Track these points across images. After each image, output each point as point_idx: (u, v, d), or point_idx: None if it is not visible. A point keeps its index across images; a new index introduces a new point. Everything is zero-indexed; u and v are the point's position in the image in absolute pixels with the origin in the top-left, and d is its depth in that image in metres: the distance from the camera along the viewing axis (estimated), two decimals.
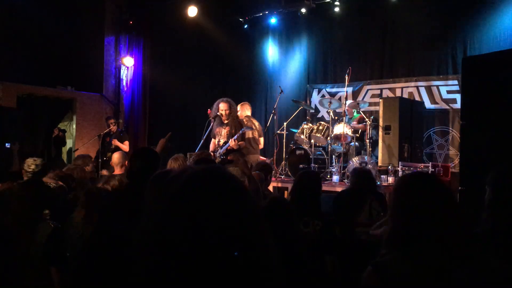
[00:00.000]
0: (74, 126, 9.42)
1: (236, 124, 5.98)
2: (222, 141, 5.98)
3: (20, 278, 2.67)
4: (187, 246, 0.92)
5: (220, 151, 5.84)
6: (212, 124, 6.11)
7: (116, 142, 7.84)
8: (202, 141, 5.99)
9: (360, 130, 7.60)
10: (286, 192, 7.26)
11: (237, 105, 6.69)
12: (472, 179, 3.52)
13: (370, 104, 8.35)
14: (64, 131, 8.64)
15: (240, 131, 5.84)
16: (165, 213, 0.98)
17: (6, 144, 6.74)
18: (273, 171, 5.94)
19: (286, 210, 2.52)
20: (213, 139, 6.24)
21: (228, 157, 5.60)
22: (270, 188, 6.97)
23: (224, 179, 0.99)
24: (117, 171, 5.49)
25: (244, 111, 7.42)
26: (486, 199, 2.07)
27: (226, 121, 6.09)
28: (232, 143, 5.78)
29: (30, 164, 4.38)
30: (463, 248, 1.43)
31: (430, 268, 1.42)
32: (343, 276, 3.11)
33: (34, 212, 2.92)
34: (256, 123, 7.32)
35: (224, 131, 6.04)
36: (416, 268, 1.44)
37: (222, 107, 6.12)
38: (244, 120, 6.98)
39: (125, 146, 7.84)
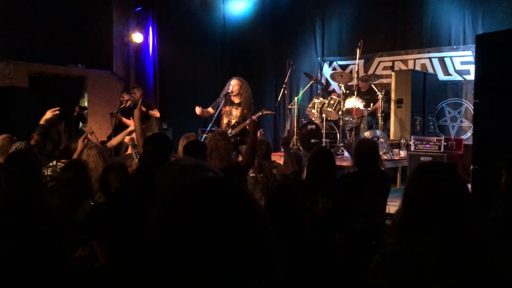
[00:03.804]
0: (86, 103, 9.46)
1: (248, 106, 5.90)
2: (233, 121, 5.94)
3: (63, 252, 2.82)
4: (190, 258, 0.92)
5: (232, 131, 5.80)
6: (222, 102, 6.05)
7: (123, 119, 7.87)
8: (213, 118, 5.97)
9: (372, 105, 7.53)
10: None
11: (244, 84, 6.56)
12: (486, 158, 3.49)
13: (382, 76, 8.24)
14: (85, 108, 8.61)
15: (261, 112, 5.78)
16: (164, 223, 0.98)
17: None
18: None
19: (293, 197, 2.53)
20: (210, 108, 6.18)
21: (245, 138, 5.59)
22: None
23: (229, 194, 0.97)
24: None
25: (139, 93, 7.93)
26: (503, 185, 2.05)
27: (236, 101, 6.03)
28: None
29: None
30: (474, 240, 1.43)
31: (438, 258, 1.43)
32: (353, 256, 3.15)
33: (77, 192, 3.07)
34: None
35: (235, 112, 5.97)
36: (424, 258, 1.45)
37: (233, 82, 6.05)
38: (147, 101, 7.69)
39: (131, 122, 7.86)
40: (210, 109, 6.12)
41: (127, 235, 2.63)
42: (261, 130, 5.57)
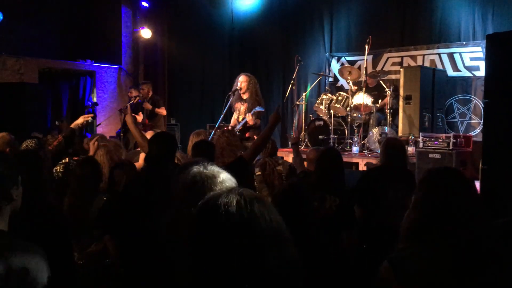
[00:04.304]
0: (95, 99, 9.53)
1: (254, 101, 5.92)
2: (241, 118, 5.97)
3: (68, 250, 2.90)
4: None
5: (238, 127, 5.84)
6: (231, 98, 6.08)
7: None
8: (222, 115, 6.00)
9: (380, 101, 7.52)
10: (305, 162, 7.30)
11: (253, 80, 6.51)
12: (495, 158, 3.49)
13: (391, 72, 8.21)
14: (95, 104, 8.65)
15: (256, 109, 5.77)
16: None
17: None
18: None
19: (301, 197, 2.55)
20: (234, 114, 6.24)
21: (246, 134, 5.62)
22: (290, 159, 6.99)
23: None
24: None
25: (150, 90, 7.96)
26: None
27: (245, 97, 6.05)
28: (248, 118, 5.75)
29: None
30: (484, 246, 1.45)
31: (448, 266, 1.44)
32: (362, 256, 3.15)
33: (91, 189, 3.12)
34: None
35: (242, 108, 6.00)
36: (433, 265, 1.46)
37: (241, 79, 6.07)
38: (156, 98, 7.81)
39: (139, 117, 7.91)
40: (234, 115, 6.22)
41: (132, 232, 2.68)
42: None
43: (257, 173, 4.29)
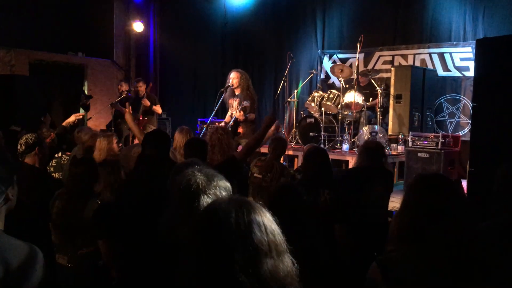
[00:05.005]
0: (86, 92, 9.48)
1: (246, 96, 5.94)
2: (234, 114, 6.00)
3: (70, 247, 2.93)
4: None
5: (230, 123, 5.88)
6: (223, 95, 6.10)
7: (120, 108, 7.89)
8: (213, 112, 6.02)
9: (371, 99, 7.59)
10: (296, 159, 7.36)
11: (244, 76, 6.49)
12: (483, 160, 3.56)
13: (382, 70, 8.28)
14: (89, 97, 8.59)
15: (244, 103, 5.78)
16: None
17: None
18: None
19: (295, 196, 2.59)
20: (229, 111, 6.27)
21: (239, 129, 5.64)
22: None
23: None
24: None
25: (145, 86, 7.94)
26: (496, 192, 2.10)
27: (237, 93, 6.08)
28: (237, 114, 5.77)
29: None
30: (471, 250, 1.50)
31: (438, 268, 1.49)
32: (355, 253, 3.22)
33: (85, 189, 3.07)
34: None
35: (235, 103, 6.04)
36: (423, 267, 1.51)
37: (232, 75, 6.11)
38: (152, 96, 7.82)
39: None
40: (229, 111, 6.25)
41: (129, 234, 2.68)
42: (280, 128, 5.39)
43: (256, 175, 4.18)
